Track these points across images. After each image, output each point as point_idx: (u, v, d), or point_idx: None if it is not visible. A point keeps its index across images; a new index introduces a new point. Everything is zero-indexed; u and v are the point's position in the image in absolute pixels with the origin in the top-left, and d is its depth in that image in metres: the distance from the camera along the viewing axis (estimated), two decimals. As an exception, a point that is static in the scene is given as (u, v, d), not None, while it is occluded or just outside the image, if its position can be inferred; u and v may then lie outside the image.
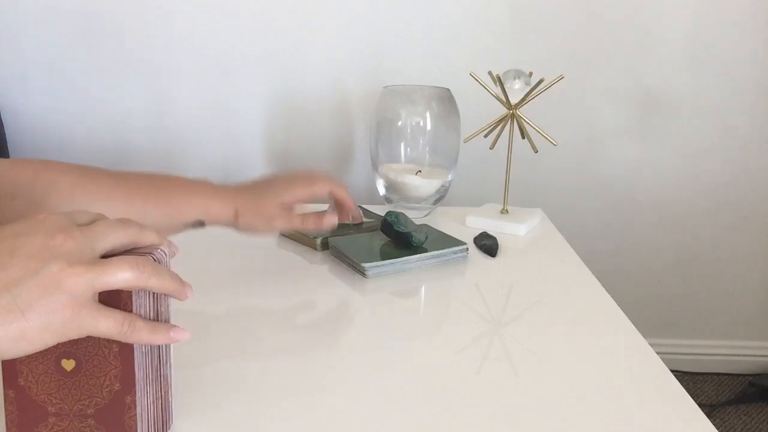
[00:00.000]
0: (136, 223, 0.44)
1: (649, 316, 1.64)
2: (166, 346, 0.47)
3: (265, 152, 1.46)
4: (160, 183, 0.71)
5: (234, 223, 0.74)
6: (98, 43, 1.37)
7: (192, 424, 0.50)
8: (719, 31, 1.41)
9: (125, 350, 0.43)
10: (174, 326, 0.45)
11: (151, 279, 0.41)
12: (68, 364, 0.43)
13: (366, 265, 0.82)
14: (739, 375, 1.66)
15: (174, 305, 0.47)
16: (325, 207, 1.05)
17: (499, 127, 1.07)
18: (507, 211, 1.09)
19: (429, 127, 1.08)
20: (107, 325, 0.40)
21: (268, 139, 1.46)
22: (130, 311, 0.42)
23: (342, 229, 0.96)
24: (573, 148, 1.48)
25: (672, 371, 0.60)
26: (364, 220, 1.01)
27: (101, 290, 0.40)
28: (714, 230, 1.56)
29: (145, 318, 0.43)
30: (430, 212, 1.11)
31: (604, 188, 1.52)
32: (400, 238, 0.87)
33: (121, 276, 0.40)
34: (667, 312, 1.64)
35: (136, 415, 0.43)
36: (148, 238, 0.45)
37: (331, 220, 0.78)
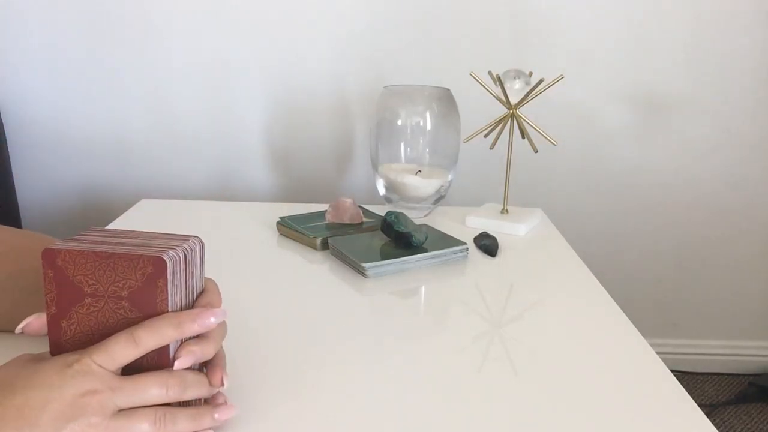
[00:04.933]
0: (179, 382, 0.45)
1: (649, 316, 1.64)
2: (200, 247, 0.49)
3: (265, 152, 1.47)
4: None
5: None
6: (98, 44, 1.37)
7: (192, 424, 0.50)
8: (719, 31, 1.41)
9: None
10: (218, 406, 0.47)
11: (169, 429, 0.44)
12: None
13: (366, 265, 0.82)
14: (739, 375, 1.66)
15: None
16: (325, 207, 1.05)
17: (499, 127, 1.07)
18: (507, 211, 1.09)
19: (429, 127, 1.08)
20: None
21: (268, 140, 1.46)
22: (166, 310, 0.45)
23: (342, 228, 0.96)
24: (573, 148, 1.48)
25: (672, 371, 0.60)
26: (364, 220, 1.01)
27: None
28: (714, 230, 1.56)
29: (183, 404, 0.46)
30: (430, 212, 1.11)
31: (604, 188, 1.52)
32: (400, 238, 0.87)
33: (140, 430, 0.42)
34: (667, 312, 1.64)
35: (167, 298, 0.45)
36: (190, 395, 0.45)
37: None
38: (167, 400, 0.44)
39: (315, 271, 0.85)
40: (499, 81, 1.04)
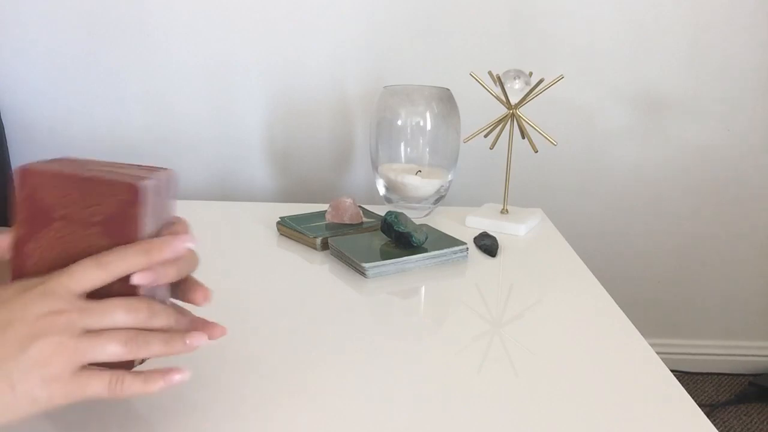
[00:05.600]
0: (148, 307, 0.44)
1: (649, 316, 1.64)
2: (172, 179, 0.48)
3: (265, 152, 1.47)
4: None
5: None
6: (98, 44, 1.37)
7: (191, 425, 0.50)
8: (719, 31, 1.41)
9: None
10: (190, 332, 0.45)
11: (141, 350, 0.42)
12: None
13: (366, 265, 0.82)
14: (739, 375, 1.66)
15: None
16: (325, 207, 1.05)
17: (499, 127, 1.07)
18: (507, 211, 1.09)
19: (429, 127, 1.08)
20: (95, 389, 0.41)
21: (267, 139, 1.46)
22: (137, 239, 0.44)
23: (342, 228, 0.96)
24: (573, 148, 1.48)
25: (672, 371, 0.60)
26: (364, 220, 1.01)
27: (88, 363, 0.41)
28: (714, 230, 1.56)
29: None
30: (430, 212, 1.11)
31: (604, 188, 1.52)
32: (400, 238, 0.87)
33: (109, 350, 0.41)
34: (667, 312, 1.64)
35: (139, 226, 0.44)
36: (157, 323, 0.44)
37: None
38: (134, 325, 0.43)
39: (315, 271, 0.85)
40: (499, 81, 1.04)
